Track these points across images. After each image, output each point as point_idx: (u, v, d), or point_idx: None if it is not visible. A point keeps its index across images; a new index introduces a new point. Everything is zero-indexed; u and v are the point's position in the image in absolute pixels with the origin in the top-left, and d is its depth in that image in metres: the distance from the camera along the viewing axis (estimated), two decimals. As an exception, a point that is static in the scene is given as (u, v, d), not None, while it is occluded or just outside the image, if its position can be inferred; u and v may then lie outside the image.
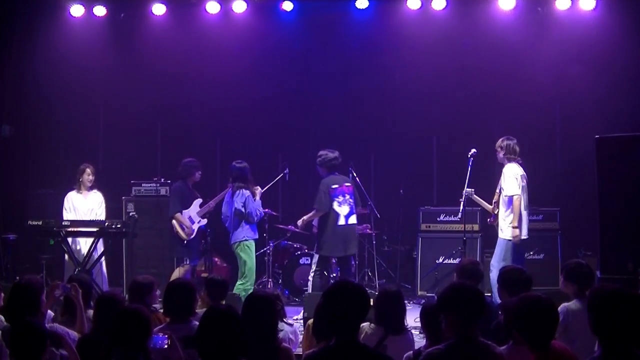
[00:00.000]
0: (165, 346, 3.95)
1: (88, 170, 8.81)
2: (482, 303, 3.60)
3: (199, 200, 8.69)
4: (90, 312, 4.92)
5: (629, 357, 3.18)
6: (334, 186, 8.01)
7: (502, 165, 7.75)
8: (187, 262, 8.60)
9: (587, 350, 4.50)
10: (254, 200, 8.02)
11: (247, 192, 8.02)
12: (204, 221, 8.66)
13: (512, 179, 7.52)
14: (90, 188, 8.85)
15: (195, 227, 8.60)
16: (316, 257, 8.19)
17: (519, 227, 7.47)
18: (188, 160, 8.69)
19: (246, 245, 8.02)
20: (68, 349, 4.20)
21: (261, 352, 4.06)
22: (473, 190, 7.90)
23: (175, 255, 9.06)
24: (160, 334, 4.07)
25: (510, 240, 7.49)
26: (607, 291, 3.32)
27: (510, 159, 7.63)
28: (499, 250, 7.57)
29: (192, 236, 8.57)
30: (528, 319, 3.67)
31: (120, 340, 3.80)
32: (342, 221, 8.02)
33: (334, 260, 9.50)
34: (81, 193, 8.80)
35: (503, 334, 4.15)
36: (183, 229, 8.51)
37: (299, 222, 8.40)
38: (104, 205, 8.92)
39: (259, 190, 8.16)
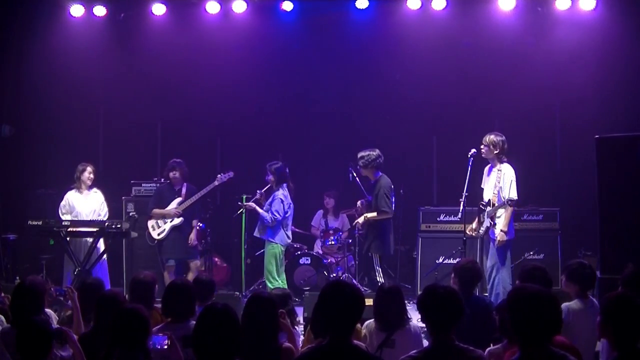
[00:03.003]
0: (165, 346, 3.94)
1: (89, 169, 8.84)
2: (457, 306, 3.54)
3: (178, 199, 8.85)
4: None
5: (548, 357, 3.16)
6: (391, 186, 8.12)
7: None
8: (166, 262, 8.78)
9: (588, 349, 4.52)
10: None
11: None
12: (178, 220, 8.74)
13: (514, 182, 7.45)
14: (90, 187, 8.88)
15: (167, 226, 8.76)
16: (377, 259, 8.10)
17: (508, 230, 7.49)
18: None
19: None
20: (74, 347, 4.20)
21: (263, 352, 4.05)
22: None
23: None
24: (160, 334, 4.06)
25: (510, 240, 7.49)
26: (526, 292, 3.29)
27: (502, 158, 7.53)
28: (501, 251, 7.51)
29: (162, 235, 8.76)
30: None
31: (120, 340, 3.79)
32: None
33: (333, 260, 9.55)
34: (81, 192, 8.82)
35: (498, 334, 4.14)
36: (153, 229, 8.77)
37: (361, 220, 8.15)
38: (105, 204, 8.97)
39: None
